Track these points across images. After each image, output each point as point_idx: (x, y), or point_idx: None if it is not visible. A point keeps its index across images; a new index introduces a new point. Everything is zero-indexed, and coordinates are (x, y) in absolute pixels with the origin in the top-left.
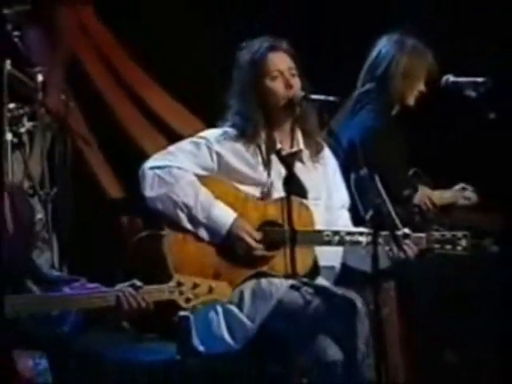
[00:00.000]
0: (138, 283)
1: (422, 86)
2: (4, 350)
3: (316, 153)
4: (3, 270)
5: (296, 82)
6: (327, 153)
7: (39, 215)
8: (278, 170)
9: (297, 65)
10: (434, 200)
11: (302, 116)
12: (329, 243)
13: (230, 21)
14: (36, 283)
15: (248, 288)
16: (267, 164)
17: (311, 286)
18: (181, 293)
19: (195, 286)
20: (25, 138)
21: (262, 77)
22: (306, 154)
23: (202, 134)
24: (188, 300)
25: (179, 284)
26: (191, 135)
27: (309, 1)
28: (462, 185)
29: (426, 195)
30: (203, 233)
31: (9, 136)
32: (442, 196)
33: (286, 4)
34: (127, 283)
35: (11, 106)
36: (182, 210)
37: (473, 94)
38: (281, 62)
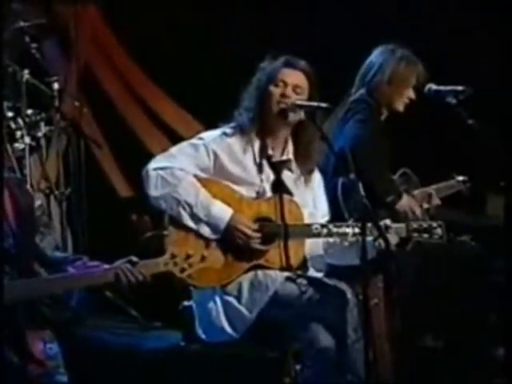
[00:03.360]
0: (135, 259)
1: (411, 94)
2: (18, 332)
3: (307, 172)
4: (10, 255)
5: (295, 98)
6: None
7: (38, 201)
8: (268, 174)
9: (310, 87)
10: (416, 211)
11: (300, 133)
12: (318, 235)
13: (231, 33)
14: (42, 265)
15: (246, 281)
16: (259, 167)
17: (305, 277)
18: (175, 264)
19: (188, 256)
20: (42, 142)
21: (268, 83)
22: (295, 164)
23: (201, 135)
24: (183, 270)
25: (173, 256)
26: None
27: (307, 8)
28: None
29: (408, 206)
30: (204, 229)
31: (27, 140)
32: (423, 198)
33: (286, 15)
34: (124, 259)
35: (29, 111)
36: (184, 209)
37: (453, 101)
38: (290, 76)
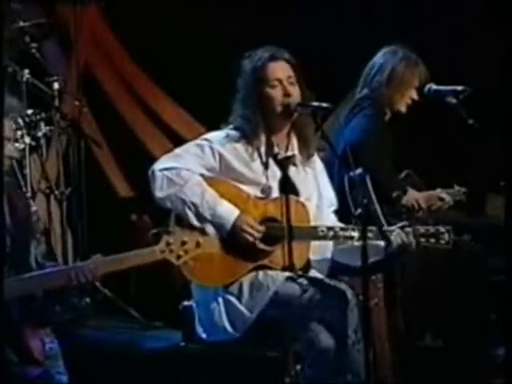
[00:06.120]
0: (99, 256)
1: (413, 94)
2: (16, 332)
3: (307, 158)
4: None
5: (294, 91)
6: (315, 157)
7: (34, 208)
8: (275, 171)
9: (298, 74)
10: (421, 203)
11: (298, 122)
12: (324, 238)
13: (231, 33)
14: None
15: (247, 280)
16: (265, 166)
17: (306, 277)
18: (171, 251)
19: (183, 243)
20: (42, 142)
21: (262, 84)
22: (298, 158)
23: (206, 136)
24: (179, 257)
25: (168, 243)
26: (194, 139)
27: (309, 9)
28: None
29: (414, 198)
30: (210, 229)
31: (27, 140)
32: (430, 199)
33: (287, 15)
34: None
35: (29, 111)
36: (189, 209)
37: (453, 100)
38: (280, 71)
